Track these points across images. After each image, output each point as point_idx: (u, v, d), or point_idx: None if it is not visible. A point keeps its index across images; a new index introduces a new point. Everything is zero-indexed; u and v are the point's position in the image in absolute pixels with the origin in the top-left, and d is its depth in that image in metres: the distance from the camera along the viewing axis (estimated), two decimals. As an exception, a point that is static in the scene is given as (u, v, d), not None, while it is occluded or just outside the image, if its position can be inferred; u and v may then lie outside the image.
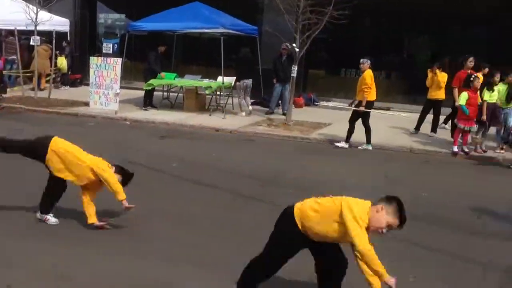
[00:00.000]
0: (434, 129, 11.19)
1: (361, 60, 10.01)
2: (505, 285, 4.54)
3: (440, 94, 11.05)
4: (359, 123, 9.87)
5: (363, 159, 9.34)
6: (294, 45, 11.64)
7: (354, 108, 9.92)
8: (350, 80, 15.68)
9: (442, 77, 10.94)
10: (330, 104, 14.43)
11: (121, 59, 12.86)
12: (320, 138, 10.68)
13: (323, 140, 10.50)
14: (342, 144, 9.96)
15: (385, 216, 3.41)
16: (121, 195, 5.06)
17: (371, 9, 14.39)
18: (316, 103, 14.90)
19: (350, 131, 9.94)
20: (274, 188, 7.08)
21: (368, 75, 9.80)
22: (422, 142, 10.46)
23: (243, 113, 12.81)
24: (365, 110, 9.79)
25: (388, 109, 14.19)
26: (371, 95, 9.85)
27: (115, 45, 16.18)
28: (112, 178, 5.07)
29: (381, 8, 14.37)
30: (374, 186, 7.13)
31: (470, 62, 10.46)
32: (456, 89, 10.27)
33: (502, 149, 9.59)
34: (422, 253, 5.07)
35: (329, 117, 12.67)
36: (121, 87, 12.81)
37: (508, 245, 5.40)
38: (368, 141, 9.89)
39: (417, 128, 11.30)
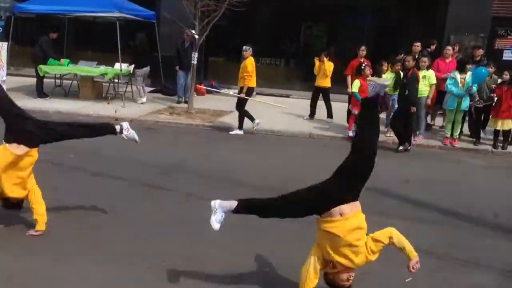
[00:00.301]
0: (329, 115, 11.67)
1: (244, 47, 10.25)
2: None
3: (327, 82, 11.46)
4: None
5: (264, 144, 9.53)
6: (193, 31, 11.52)
7: (237, 95, 10.18)
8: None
9: (329, 66, 11.33)
10: (232, 92, 14.49)
11: (6, 43, 11.90)
12: (222, 125, 10.71)
13: (225, 128, 10.55)
14: (236, 132, 10.13)
15: None
16: None
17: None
18: (218, 91, 14.89)
19: (241, 118, 10.16)
20: (175, 176, 7.01)
21: (250, 62, 10.07)
22: (320, 128, 10.89)
23: (144, 100, 12.55)
24: (246, 97, 10.05)
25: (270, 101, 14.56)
26: (252, 82, 10.12)
27: (0, 28, 14.95)
28: None
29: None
30: (273, 169, 7.31)
31: (362, 51, 11.02)
32: (349, 77, 10.80)
33: (390, 132, 10.27)
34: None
35: (231, 105, 12.71)
36: (8, 74, 11.86)
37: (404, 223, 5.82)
38: (240, 126, 10.17)
39: (312, 115, 11.72)
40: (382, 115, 10.53)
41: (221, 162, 7.96)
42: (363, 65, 10.06)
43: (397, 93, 10.11)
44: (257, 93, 14.39)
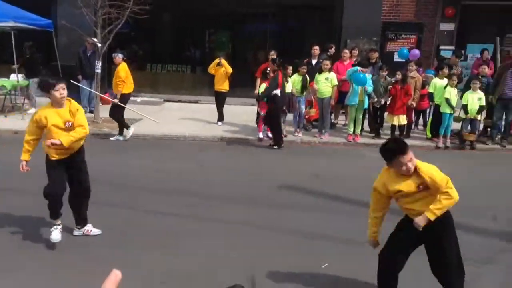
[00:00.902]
0: (220, 118, 11.71)
1: (113, 54, 10.21)
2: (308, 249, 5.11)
3: (225, 86, 11.55)
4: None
5: (179, 149, 9.49)
6: (95, 40, 11.19)
7: (114, 102, 10.08)
8: (156, 75, 15.77)
9: (227, 69, 11.38)
10: (139, 99, 14.24)
11: None
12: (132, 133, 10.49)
13: (134, 136, 10.34)
14: (116, 137, 10.13)
15: None
16: None
17: (172, 4, 14.60)
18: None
19: (121, 124, 10.11)
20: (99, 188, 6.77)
21: (122, 68, 10.01)
22: (231, 131, 11.05)
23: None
24: (120, 104, 9.97)
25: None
26: (126, 89, 10.10)
27: None
28: None
29: (181, 4, 14.68)
30: (189, 173, 7.33)
31: (272, 55, 11.33)
32: (259, 79, 11.08)
33: (299, 132, 10.70)
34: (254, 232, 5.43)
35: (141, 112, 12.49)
36: None
37: (309, 215, 6.10)
38: (120, 132, 10.15)
39: (220, 119, 11.79)
40: (290, 116, 10.92)
41: (131, 168, 7.81)
42: (268, 70, 10.39)
43: (304, 95, 10.57)
44: (165, 100, 14.33)
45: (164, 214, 5.88)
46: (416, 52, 12.53)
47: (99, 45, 11.17)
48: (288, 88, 10.38)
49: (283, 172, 8.01)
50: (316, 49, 11.68)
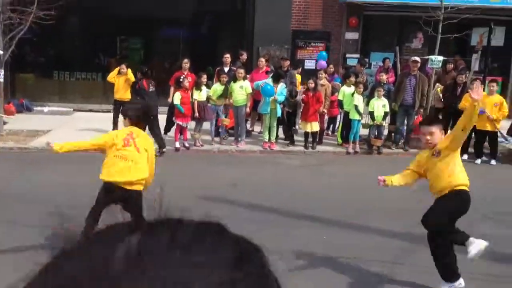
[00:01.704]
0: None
1: None
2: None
3: (127, 95, 11.13)
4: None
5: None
6: (-4, 47, 10.54)
7: None
8: (65, 83, 15.11)
9: (128, 79, 11.05)
10: (46, 109, 13.58)
11: None
12: (40, 146, 9.98)
13: (43, 149, 9.85)
14: None
15: None
16: None
17: (82, 9, 14.10)
18: (30, 109, 13.79)
19: None
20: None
21: None
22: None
23: None
24: None
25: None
26: None
27: None
28: None
29: (90, 9, 14.20)
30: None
31: (185, 63, 11.28)
32: (172, 88, 11.01)
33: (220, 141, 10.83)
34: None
35: (47, 124, 11.93)
36: None
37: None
38: None
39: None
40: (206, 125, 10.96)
41: (46, 183, 7.46)
42: (182, 77, 10.39)
43: (222, 103, 10.67)
44: (74, 110, 13.78)
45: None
46: (323, 63, 13.09)
47: (1, 52, 10.52)
48: (202, 96, 10.41)
49: (200, 183, 8.03)
50: (227, 57, 11.79)
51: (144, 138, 5.25)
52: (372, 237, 5.96)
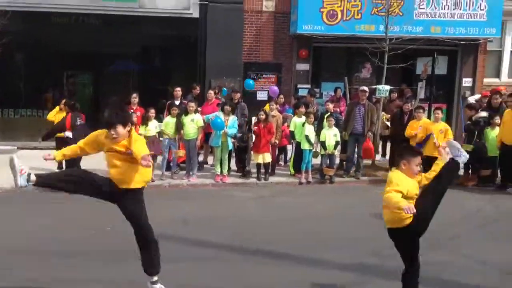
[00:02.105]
0: None
1: None
2: None
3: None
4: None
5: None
6: None
7: None
8: (9, 121, 14.62)
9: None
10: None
11: None
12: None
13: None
14: None
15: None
16: None
17: (27, 44, 13.76)
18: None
19: None
20: None
21: None
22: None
23: None
24: None
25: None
26: None
27: None
28: None
29: (36, 44, 13.89)
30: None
31: (134, 98, 11.17)
32: None
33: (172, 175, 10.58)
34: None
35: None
36: None
37: (176, 266, 5.97)
38: None
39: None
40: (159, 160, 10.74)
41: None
42: (130, 112, 10.20)
43: (175, 136, 10.52)
44: (19, 148, 13.26)
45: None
46: (275, 88, 13.23)
47: None
48: (149, 131, 10.24)
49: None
50: (178, 91, 11.74)
51: None
52: (324, 270, 5.87)
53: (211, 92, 12.04)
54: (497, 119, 10.58)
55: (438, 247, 6.47)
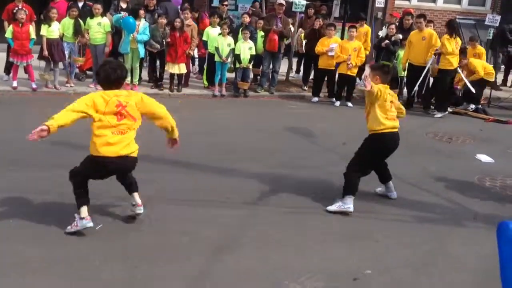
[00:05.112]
0: None
1: None
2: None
3: None
4: None
5: None
6: None
7: None
8: None
9: None
10: None
11: None
12: None
13: None
14: None
15: None
16: None
17: None
18: None
19: None
20: None
21: None
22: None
23: None
24: None
25: None
26: None
27: None
28: None
29: None
30: None
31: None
32: (6, 22, 9.74)
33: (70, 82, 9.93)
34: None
35: None
36: None
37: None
38: None
39: None
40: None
41: None
42: (15, 9, 9.29)
43: (75, 41, 9.75)
44: None
45: None
46: None
47: None
48: (52, 32, 9.38)
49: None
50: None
51: None
52: (239, 179, 5.89)
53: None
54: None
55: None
